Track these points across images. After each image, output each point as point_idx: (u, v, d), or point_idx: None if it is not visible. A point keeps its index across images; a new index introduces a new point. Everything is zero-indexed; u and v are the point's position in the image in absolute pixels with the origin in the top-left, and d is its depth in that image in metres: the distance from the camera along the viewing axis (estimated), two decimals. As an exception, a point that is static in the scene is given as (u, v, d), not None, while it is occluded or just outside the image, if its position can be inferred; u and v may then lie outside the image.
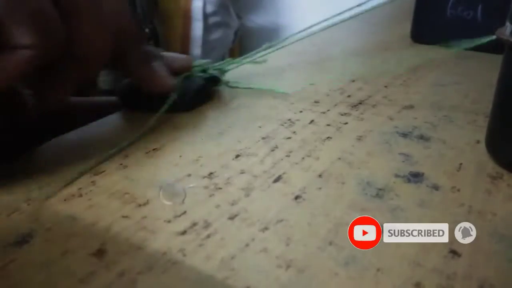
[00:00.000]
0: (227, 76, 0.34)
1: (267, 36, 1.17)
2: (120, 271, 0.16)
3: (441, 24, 0.43)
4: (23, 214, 0.19)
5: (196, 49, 1.10)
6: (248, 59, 0.34)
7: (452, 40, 0.29)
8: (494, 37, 0.22)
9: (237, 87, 0.33)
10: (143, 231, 0.18)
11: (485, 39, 0.27)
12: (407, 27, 0.51)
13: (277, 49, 0.35)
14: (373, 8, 0.37)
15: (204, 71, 0.32)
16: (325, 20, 0.34)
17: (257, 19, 1.34)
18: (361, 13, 0.35)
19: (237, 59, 0.34)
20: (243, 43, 1.32)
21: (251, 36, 1.33)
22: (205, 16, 1.10)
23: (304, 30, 0.35)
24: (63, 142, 0.25)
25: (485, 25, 0.41)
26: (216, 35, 1.14)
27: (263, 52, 0.35)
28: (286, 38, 0.35)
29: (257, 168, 0.22)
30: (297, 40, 0.35)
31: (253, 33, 1.33)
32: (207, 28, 1.11)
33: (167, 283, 0.15)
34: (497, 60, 0.36)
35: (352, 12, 0.35)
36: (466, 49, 0.30)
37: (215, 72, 0.32)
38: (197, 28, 1.09)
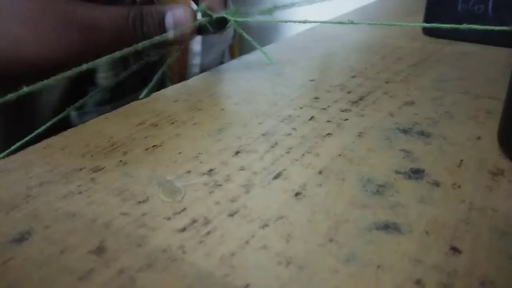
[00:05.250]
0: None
1: (267, 33, 1.16)
2: (119, 268, 0.16)
3: (452, 18, 0.44)
4: (22, 212, 0.19)
5: (196, 45, 1.09)
6: (255, 10, 0.33)
7: (464, 34, 0.29)
8: (506, 28, 0.21)
9: (246, 20, 0.33)
10: (143, 228, 0.18)
11: (497, 28, 0.27)
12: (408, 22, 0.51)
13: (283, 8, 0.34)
14: (375, 4, 0.36)
15: (208, 14, 0.32)
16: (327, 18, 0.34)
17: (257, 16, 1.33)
18: (362, 8, 0.34)
19: (243, 9, 0.33)
20: (242, 40, 1.32)
21: (251, 33, 1.33)
22: (205, 12, 1.10)
23: (308, 22, 0.35)
24: (62, 138, 0.25)
25: (495, 19, 0.41)
26: (216, 31, 1.13)
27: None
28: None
29: (257, 164, 0.22)
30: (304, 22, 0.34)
31: (252, 30, 1.33)
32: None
33: (167, 280, 0.15)
34: (499, 55, 0.36)
35: (354, 8, 0.35)
36: (474, 41, 0.30)
37: (220, 14, 0.32)
38: (197, 24, 1.09)
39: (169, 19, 0.31)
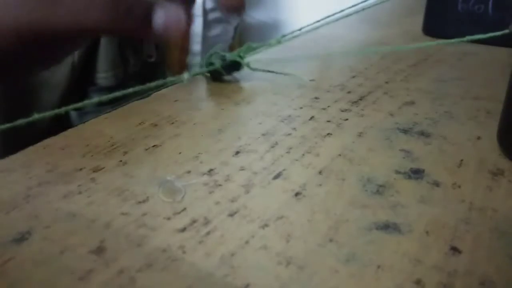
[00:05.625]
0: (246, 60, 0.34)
1: (267, 32, 1.16)
2: (119, 268, 0.16)
3: (452, 18, 0.44)
4: (22, 212, 0.19)
5: (196, 45, 1.10)
6: (265, 44, 0.34)
7: (464, 34, 0.29)
8: (507, 31, 0.21)
9: (257, 69, 0.33)
10: (143, 228, 0.18)
11: (498, 33, 0.27)
12: (407, 24, 0.51)
13: (290, 38, 0.34)
14: (374, 5, 0.36)
15: (223, 58, 0.33)
16: (327, 17, 0.34)
17: (257, 15, 1.33)
18: (362, 10, 0.34)
19: (254, 45, 0.34)
20: (243, 39, 1.32)
21: (251, 32, 1.33)
22: (205, 12, 1.10)
23: (308, 25, 0.35)
24: (62, 138, 0.25)
25: (496, 19, 0.41)
26: (216, 31, 1.14)
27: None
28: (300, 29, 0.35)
29: (257, 164, 0.22)
30: (311, 30, 0.35)
31: (253, 29, 1.33)
32: (206, 24, 1.11)
33: (167, 280, 0.15)
34: (499, 55, 0.36)
35: (353, 9, 0.35)
36: (474, 42, 0.30)
37: (234, 57, 0.33)
38: (197, 24, 1.09)
39: (158, 18, 0.29)
